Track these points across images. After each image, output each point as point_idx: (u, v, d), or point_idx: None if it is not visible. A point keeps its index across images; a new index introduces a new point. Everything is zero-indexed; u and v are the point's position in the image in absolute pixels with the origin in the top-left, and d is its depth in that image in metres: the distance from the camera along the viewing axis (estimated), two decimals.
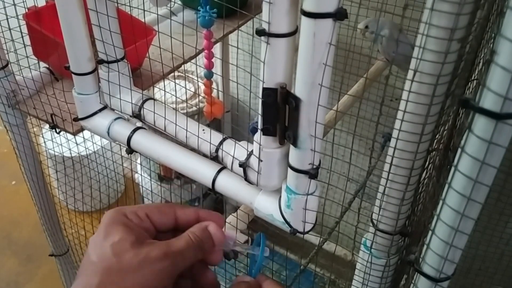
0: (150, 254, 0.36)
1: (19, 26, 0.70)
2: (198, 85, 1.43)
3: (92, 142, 1.07)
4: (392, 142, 0.40)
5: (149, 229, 0.40)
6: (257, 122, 0.43)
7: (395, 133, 0.39)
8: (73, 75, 0.59)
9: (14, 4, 0.68)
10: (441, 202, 0.36)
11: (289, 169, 0.44)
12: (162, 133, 0.57)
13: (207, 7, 0.56)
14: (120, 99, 0.59)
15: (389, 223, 0.46)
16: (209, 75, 0.62)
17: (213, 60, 0.61)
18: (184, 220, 0.41)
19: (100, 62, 0.58)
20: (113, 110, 0.62)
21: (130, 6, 0.67)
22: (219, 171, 0.52)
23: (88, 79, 0.59)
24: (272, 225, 0.49)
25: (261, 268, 0.42)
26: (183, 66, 0.78)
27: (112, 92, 0.60)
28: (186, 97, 1.36)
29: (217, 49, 1.29)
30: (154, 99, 0.59)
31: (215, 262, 0.42)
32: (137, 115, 0.59)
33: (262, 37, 0.38)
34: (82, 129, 0.69)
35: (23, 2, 0.70)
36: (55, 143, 1.04)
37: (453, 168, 0.34)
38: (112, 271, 0.35)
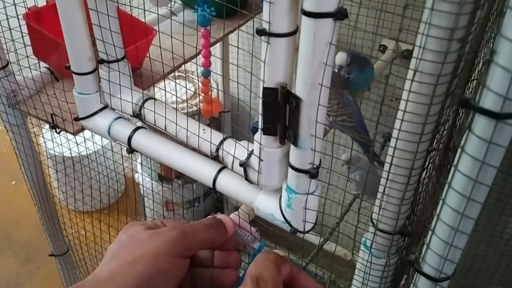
0: (159, 229, 0.39)
1: (19, 26, 0.70)
2: (198, 85, 1.43)
3: (93, 142, 1.07)
4: (392, 142, 0.40)
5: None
6: (257, 121, 0.43)
7: (395, 133, 0.40)
8: (73, 74, 0.59)
9: (14, 4, 0.68)
10: (441, 202, 0.36)
11: (289, 169, 0.44)
12: (162, 133, 0.57)
13: (205, 5, 0.56)
14: (121, 98, 0.59)
15: (389, 223, 0.46)
16: (206, 73, 0.62)
17: (211, 59, 0.61)
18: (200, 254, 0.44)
19: (100, 61, 0.58)
20: (113, 109, 0.62)
21: (130, 6, 0.67)
22: (219, 171, 0.52)
23: (89, 78, 0.59)
24: (273, 225, 0.49)
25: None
26: (183, 66, 0.79)
27: (112, 91, 0.60)
28: (187, 97, 1.36)
29: (217, 49, 1.29)
30: (155, 99, 0.59)
31: (231, 247, 0.44)
32: (138, 115, 0.59)
33: (263, 37, 0.38)
34: (82, 129, 0.69)
35: (23, 2, 0.70)
36: (55, 143, 1.04)
37: (453, 168, 0.34)
38: (125, 246, 0.38)
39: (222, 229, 0.43)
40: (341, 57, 0.83)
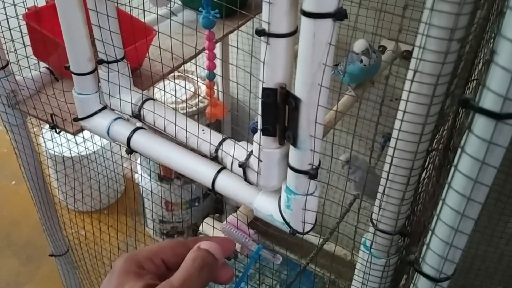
0: None
1: (19, 26, 0.70)
2: (198, 85, 1.43)
3: (92, 142, 1.07)
4: (392, 142, 0.40)
5: (163, 274, 0.38)
6: (257, 122, 0.43)
7: (395, 133, 0.39)
8: (73, 75, 0.59)
9: (14, 4, 0.68)
10: (441, 202, 0.36)
11: (288, 170, 0.43)
12: (162, 133, 0.57)
13: (209, 7, 0.56)
14: (120, 99, 0.59)
15: (389, 223, 0.46)
16: (211, 76, 0.62)
17: (214, 61, 0.61)
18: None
19: (100, 62, 0.58)
20: (113, 110, 0.62)
21: (130, 6, 0.67)
22: (218, 171, 0.52)
23: (88, 79, 0.59)
24: (272, 226, 0.49)
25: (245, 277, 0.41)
26: (183, 66, 0.78)
27: (112, 92, 0.60)
28: (186, 97, 1.36)
29: (217, 49, 1.28)
30: (154, 99, 0.59)
31: (226, 279, 0.39)
32: (137, 115, 0.59)
33: (262, 37, 0.38)
34: (82, 129, 0.69)
35: (23, 2, 0.70)
36: (55, 143, 1.04)
37: (453, 168, 0.34)
38: None
39: (214, 264, 0.38)
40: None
